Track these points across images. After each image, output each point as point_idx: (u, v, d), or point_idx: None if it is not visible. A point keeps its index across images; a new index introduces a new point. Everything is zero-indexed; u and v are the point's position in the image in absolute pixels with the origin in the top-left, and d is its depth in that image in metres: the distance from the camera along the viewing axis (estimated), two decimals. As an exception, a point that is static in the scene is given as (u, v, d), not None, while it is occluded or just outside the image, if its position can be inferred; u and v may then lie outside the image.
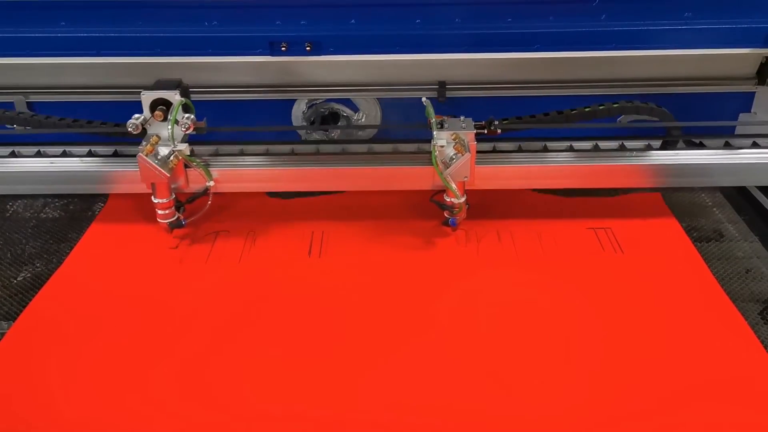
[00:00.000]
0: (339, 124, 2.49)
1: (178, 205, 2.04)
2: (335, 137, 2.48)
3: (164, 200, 1.99)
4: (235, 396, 1.51)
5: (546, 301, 1.80)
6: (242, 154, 2.20)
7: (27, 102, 2.40)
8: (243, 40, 2.17)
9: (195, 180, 2.02)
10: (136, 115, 1.93)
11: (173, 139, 1.92)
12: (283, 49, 2.17)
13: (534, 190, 2.26)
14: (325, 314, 1.76)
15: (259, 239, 2.06)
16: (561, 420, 1.45)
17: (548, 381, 1.55)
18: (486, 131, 1.98)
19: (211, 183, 2.01)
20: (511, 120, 2.06)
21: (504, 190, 2.22)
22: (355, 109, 2.48)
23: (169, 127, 1.90)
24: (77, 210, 2.26)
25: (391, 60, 2.23)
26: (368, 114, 2.47)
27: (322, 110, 2.48)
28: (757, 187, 2.28)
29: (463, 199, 1.99)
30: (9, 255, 2.04)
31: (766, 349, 1.63)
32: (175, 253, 2.01)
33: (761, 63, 2.33)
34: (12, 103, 2.39)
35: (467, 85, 2.37)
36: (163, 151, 1.93)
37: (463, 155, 1.89)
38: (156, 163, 1.89)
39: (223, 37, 2.17)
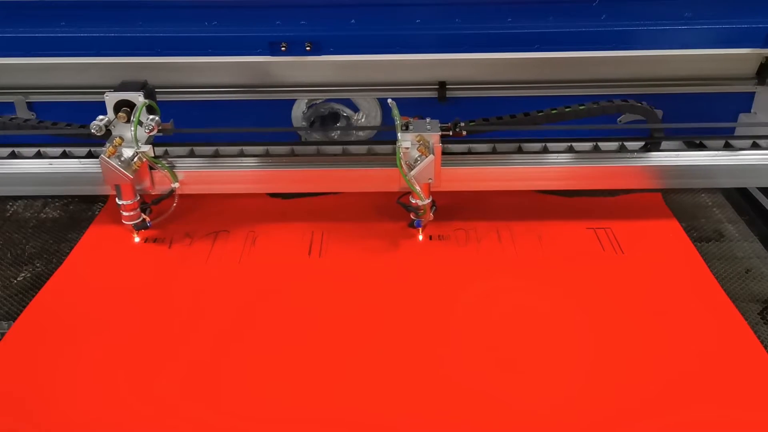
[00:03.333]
0: (338, 124, 2.50)
1: (144, 207, 2.04)
2: (335, 137, 2.49)
3: (128, 202, 1.98)
4: (237, 396, 1.51)
5: (546, 300, 1.80)
6: (242, 155, 2.20)
7: (27, 102, 2.40)
8: (243, 40, 2.17)
9: (161, 182, 2.02)
10: (100, 117, 1.93)
11: (136, 141, 1.91)
12: (283, 49, 2.17)
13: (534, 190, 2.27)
14: (326, 314, 1.76)
15: (259, 239, 2.06)
16: (561, 420, 1.45)
17: (549, 382, 1.55)
18: (451, 133, 1.97)
19: (176, 185, 2.01)
20: (478, 122, 2.05)
21: (504, 190, 2.22)
22: (356, 109, 2.48)
23: (132, 128, 1.90)
24: (77, 210, 2.26)
25: (391, 60, 2.22)
26: (368, 114, 2.47)
27: (322, 110, 2.48)
28: (757, 187, 2.28)
29: (427, 201, 1.98)
30: (9, 255, 2.04)
31: (766, 349, 1.63)
32: (175, 252, 2.01)
33: (761, 63, 2.33)
34: (12, 103, 2.39)
35: (467, 85, 2.37)
36: (127, 152, 1.92)
37: (427, 157, 1.88)
38: (119, 165, 1.88)
39: (223, 37, 2.17)
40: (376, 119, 2.48)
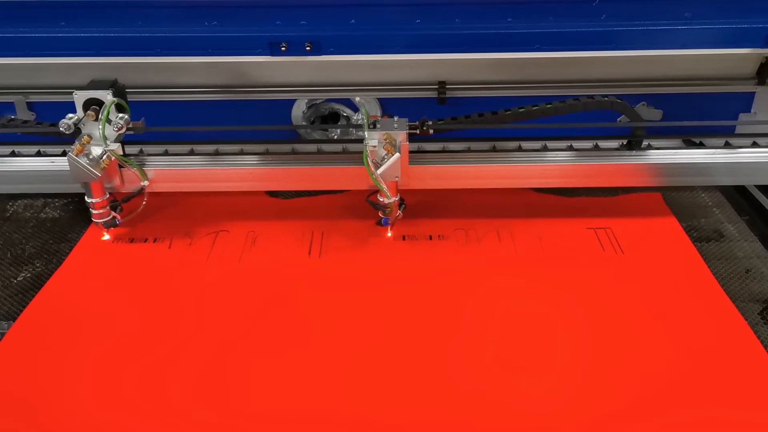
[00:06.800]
0: (338, 124, 2.50)
1: (115, 204, 2.05)
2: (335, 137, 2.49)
3: (98, 200, 2.00)
4: (239, 395, 1.51)
5: (546, 300, 1.80)
6: (242, 153, 2.20)
7: (27, 102, 2.40)
8: (243, 40, 2.17)
9: (130, 180, 2.04)
10: (70, 115, 1.94)
11: (105, 139, 1.92)
12: (283, 49, 2.17)
13: (534, 189, 2.27)
14: (327, 315, 1.76)
15: (258, 239, 2.06)
16: (560, 420, 1.45)
17: (549, 381, 1.55)
18: (418, 131, 1.98)
19: (146, 183, 2.03)
20: (446, 121, 2.05)
21: (504, 191, 2.22)
22: (355, 109, 2.48)
23: (100, 126, 1.91)
24: (77, 210, 2.26)
25: (391, 60, 2.23)
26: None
27: (323, 110, 2.49)
28: (757, 187, 2.28)
29: (394, 200, 1.99)
30: (9, 255, 2.04)
31: (766, 349, 1.63)
32: (174, 253, 2.01)
33: (761, 63, 2.33)
34: (12, 103, 2.39)
35: (467, 85, 2.37)
36: (96, 150, 1.93)
37: (393, 155, 1.89)
38: (87, 163, 1.89)
39: (223, 37, 2.17)
40: (376, 119, 2.48)
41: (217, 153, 2.18)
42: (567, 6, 2.14)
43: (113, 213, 2.05)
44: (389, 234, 2.08)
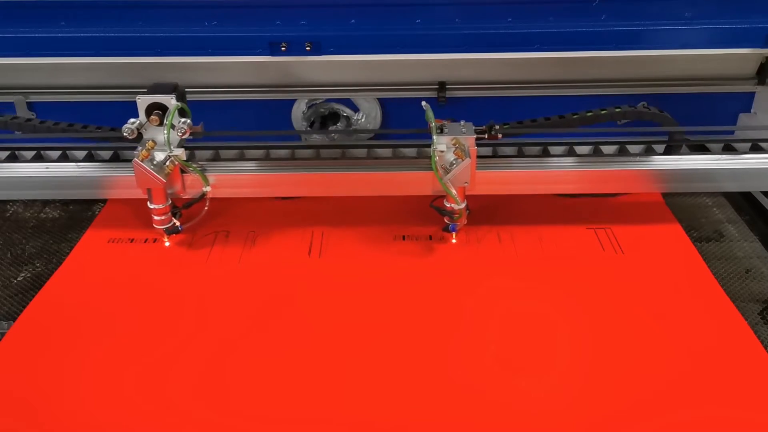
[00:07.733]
0: (338, 124, 2.49)
1: (175, 211, 2.02)
2: (335, 138, 2.48)
3: (160, 206, 1.96)
4: (240, 395, 1.51)
5: (547, 301, 1.80)
6: (241, 158, 2.19)
7: (27, 102, 2.40)
8: (243, 40, 2.17)
9: (192, 185, 2.01)
10: (132, 120, 1.91)
11: (169, 144, 1.89)
12: (283, 49, 2.17)
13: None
14: (326, 315, 1.76)
15: (258, 240, 2.06)
16: (561, 420, 1.45)
17: (549, 381, 1.55)
18: (486, 136, 1.95)
19: (208, 188, 1.99)
20: (512, 125, 2.05)
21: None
22: (356, 109, 2.48)
23: (165, 131, 1.87)
24: (77, 210, 2.26)
25: (391, 60, 2.22)
26: (368, 114, 2.47)
27: (322, 110, 2.48)
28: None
29: (463, 205, 1.96)
30: (9, 255, 2.04)
31: (766, 349, 1.63)
32: (174, 253, 2.01)
33: (761, 63, 2.33)
34: (12, 103, 2.39)
35: (467, 85, 2.37)
36: (159, 156, 1.90)
37: (463, 160, 1.86)
38: (152, 169, 1.86)
39: (223, 37, 2.17)
40: (376, 119, 2.48)
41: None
42: (567, 6, 2.14)
43: (174, 220, 2.01)
44: (454, 240, 2.03)
